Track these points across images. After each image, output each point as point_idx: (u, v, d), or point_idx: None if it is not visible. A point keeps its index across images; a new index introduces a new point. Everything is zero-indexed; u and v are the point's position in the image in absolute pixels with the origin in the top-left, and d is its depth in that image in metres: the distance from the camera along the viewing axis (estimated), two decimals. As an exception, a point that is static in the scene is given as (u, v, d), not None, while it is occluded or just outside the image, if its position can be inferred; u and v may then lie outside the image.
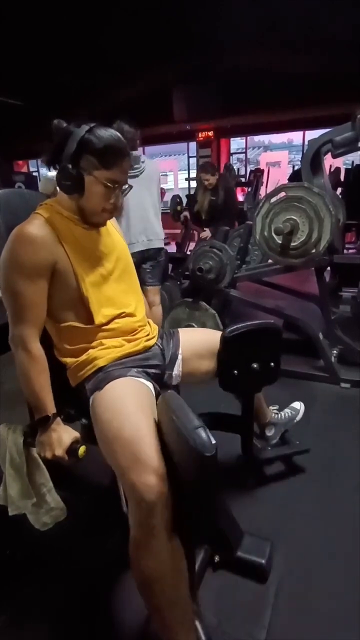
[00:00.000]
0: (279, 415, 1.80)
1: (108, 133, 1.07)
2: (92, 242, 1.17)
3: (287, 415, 1.81)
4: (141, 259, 2.59)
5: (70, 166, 1.05)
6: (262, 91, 7.79)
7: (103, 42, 6.69)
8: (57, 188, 1.10)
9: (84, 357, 1.14)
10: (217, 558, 1.30)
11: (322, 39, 6.40)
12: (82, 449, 1.05)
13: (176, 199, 5.03)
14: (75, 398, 1.18)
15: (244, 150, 10.63)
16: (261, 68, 7.60)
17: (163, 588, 0.88)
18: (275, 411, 1.80)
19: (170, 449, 0.90)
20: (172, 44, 7.44)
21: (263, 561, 1.26)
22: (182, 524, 0.91)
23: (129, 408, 0.99)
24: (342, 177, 5.82)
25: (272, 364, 1.36)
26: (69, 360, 1.16)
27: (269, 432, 1.75)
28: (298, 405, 1.86)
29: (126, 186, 1.14)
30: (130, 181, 1.16)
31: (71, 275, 1.10)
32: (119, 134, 1.09)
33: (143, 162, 2.52)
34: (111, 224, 1.28)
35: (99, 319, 1.13)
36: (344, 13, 5.13)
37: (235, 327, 1.33)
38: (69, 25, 6.02)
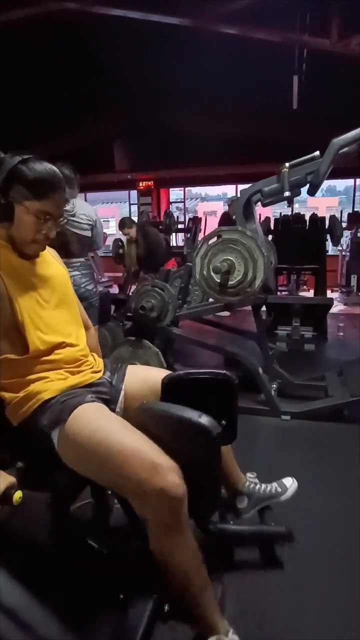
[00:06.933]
0: (259, 487, 1.41)
1: (42, 166, 1.08)
2: (27, 270, 1.15)
3: (273, 490, 1.41)
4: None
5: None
6: (198, 148, 8.47)
7: (48, 94, 6.96)
8: None
9: (23, 393, 1.08)
10: (166, 607, 1.22)
11: (250, 108, 7.23)
12: (17, 495, 0.97)
13: (118, 242, 5.14)
14: (11, 440, 1.09)
15: (182, 200, 11.25)
16: (196, 130, 8.35)
17: (196, 575, 0.97)
18: (253, 479, 1.45)
19: (168, 444, 0.97)
20: (116, 100, 7.95)
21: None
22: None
23: (115, 424, 1.01)
24: (272, 226, 6.35)
25: (223, 421, 1.08)
26: (6, 395, 1.09)
27: (240, 504, 1.39)
28: (290, 481, 1.44)
29: (62, 219, 1.15)
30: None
31: (5, 300, 1.06)
32: (54, 168, 1.11)
33: (73, 206, 2.51)
34: (50, 254, 1.27)
35: (35, 344, 1.09)
36: (271, 87, 5.86)
37: (177, 373, 1.17)
38: (16, 78, 6.21)
